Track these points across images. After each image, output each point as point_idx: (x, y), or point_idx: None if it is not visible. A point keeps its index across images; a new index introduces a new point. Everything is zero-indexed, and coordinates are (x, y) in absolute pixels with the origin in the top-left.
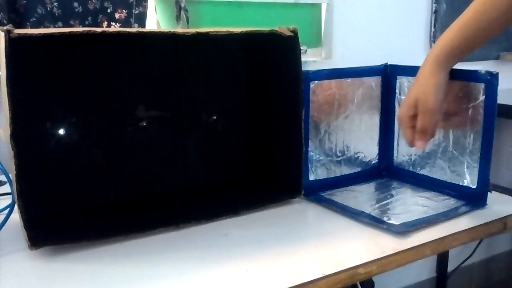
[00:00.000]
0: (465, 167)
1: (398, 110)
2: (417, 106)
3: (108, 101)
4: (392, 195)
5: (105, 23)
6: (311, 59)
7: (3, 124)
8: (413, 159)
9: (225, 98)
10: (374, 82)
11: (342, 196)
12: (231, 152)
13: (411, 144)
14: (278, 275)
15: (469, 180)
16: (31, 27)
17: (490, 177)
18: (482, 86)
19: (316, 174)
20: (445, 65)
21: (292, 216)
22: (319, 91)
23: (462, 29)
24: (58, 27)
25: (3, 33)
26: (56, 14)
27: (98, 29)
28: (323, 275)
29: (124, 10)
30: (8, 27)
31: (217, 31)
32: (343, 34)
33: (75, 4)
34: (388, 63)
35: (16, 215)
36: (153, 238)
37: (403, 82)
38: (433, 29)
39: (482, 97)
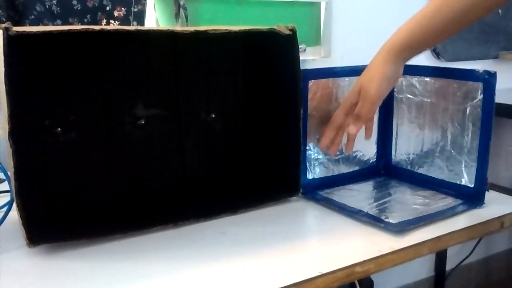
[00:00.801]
0: (463, 166)
1: (346, 95)
2: (360, 93)
3: (107, 99)
4: (390, 194)
5: (104, 21)
6: (310, 58)
7: (2, 122)
8: (411, 158)
9: (223, 96)
10: None
11: (340, 194)
12: (230, 150)
13: (323, 145)
14: (275, 273)
15: (467, 179)
16: (29, 25)
17: (488, 177)
18: (480, 85)
19: (314, 172)
20: (398, 57)
21: (290, 214)
22: (317, 89)
23: (422, 21)
24: (57, 25)
25: (1, 31)
26: (55, 12)
27: (97, 27)
28: (320, 273)
29: (123, 8)
30: (7, 24)
31: (215, 29)
32: (342, 32)
33: (74, 2)
34: None
35: (14, 213)
36: (151, 236)
37: (401, 81)
38: None
39: (480, 96)
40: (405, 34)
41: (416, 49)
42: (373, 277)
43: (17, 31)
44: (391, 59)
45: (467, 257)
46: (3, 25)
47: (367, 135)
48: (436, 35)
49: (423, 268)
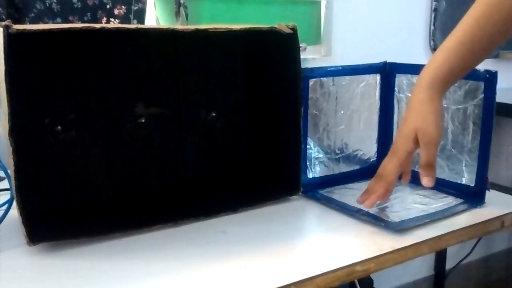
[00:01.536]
0: (464, 165)
1: (394, 143)
2: (417, 138)
3: (107, 97)
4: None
5: (104, 19)
6: (310, 57)
7: (2, 120)
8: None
9: (224, 95)
10: (373, 80)
11: (341, 193)
12: (230, 149)
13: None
14: (276, 272)
15: (468, 178)
16: (30, 23)
17: (489, 176)
18: (481, 84)
19: (314, 171)
20: (443, 89)
21: (290, 213)
22: (318, 88)
23: (459, 47)
24: (57, 23)
25: (1, 29)
26: (55, 10)
27: (97, 25)
28: (321, 272)
29: (123, 6)
30: (7, 22)
31: (216, 28)
32: (342, 31)
33: (74, 0)
34: (388, 61)
35: (14, 211)
36: (151, 235)
37: (402, 80)
38: (432, 27)
39: (481, 96)
40: (444, 65)
41: (456, 77)
42: (372, 275)
43: (17, 29)
44: (436, 94)
45: (467, 256)
46: (3, 23)
47: (430, 182)
48: (475, 60)
49: (422, 267)
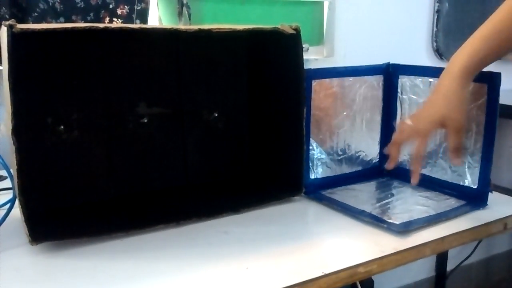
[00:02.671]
0: (466, 167)
1: (414, 123)
2: (444, 124)
3: (109, 97)
4: (392, 195)
5: (107, 19)
6: (313, 57)
7: (5, 119)
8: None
9: (226, 95)
10: (376, 81)
11: (343, 194)
12: (232, 149)
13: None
14: (278, 273)
15: (470, 180)
16: (33, 22)
17: (491, 177)
18: (484, 86)
19: (317, 172)
20: (472, 77)
21: (293, 214)
22: (320, 89)
23: (494, 36)
24: (60, 22)
25: (5, 28)
26: (58, 10)
27: (101, 25)
28: (323, 274)
29: (126, 6)
30: (11, 22)
31: (219, 28)
32: (345, 32)
33: (77, 0)
34: (390, 62)
35: (17, 210)
36: (153, 235)
37: (405, 81)
38: (435, 29)
39: (484, 97)
40: (476, 54)
41: (484, 66)
42: (373, 277)
43: (21, 28)
44: (467, 82)
45: (468, 257)
46: (7, 23)
47: (457, 162)
48: (504, 50)
49: (423, 268)
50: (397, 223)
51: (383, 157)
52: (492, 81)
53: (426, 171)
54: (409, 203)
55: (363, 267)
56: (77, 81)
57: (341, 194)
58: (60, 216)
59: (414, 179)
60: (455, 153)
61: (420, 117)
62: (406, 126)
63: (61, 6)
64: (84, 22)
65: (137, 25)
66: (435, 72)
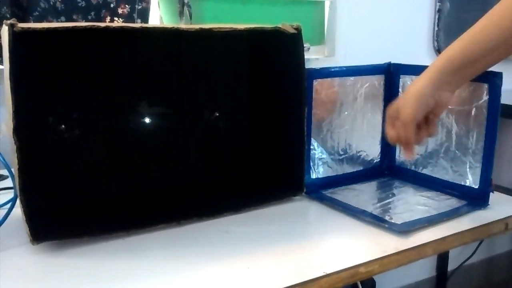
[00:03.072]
0: (468, 167)
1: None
2: (398, 114)
3: (111, 96)
4: (394, 194)
5: (108, 18)
6: (314, 57)
7: (6, 118)
8: (415, 158)
9: (227, 95)
10: (377, 81)
11: (344, 194)
12: (233, 149)
13: (391, 141)
14: (279, 273)
15: (471, 180)
16: (34, 22)
17: (492, 177)
18: (485, 86)
19: (318, 172)
20: (439, 79)
21: (294, 214)
22: (322, 89)
23: (467, 44)
24: (61, 21)
25: (6, 27)
26: (59, 9)
27: (102, 24)
28: (324, 274)
29: (127, 5)
30: (12, 21)
31: (220, 28)
32: (346, 32)
33: None
34: (391, 62)
35: (18, 210)
36: (154, 234)
37: (406, 81)
38: (436, 28)
39: (485, 97)
40: (448, 55)
41: (458, 74)
42: (374, 277)
43: (22, 27)
44: (429, 81)
45: (469, 257)
46: (8, 22)
47: (407, 155)
48: (482, 58)
49: (424, 268)
50: (398, 223)
51: (384, 156)
52: (493, 81)
53: (427, 171)
54: (410, 203)
55: (364, 267)
56: (78, 80)
57: (342, 194)
58: (61, 216)
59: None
60: (405, 145)
61: (394, 102)
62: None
63: (62, 5)
64: (85, 21)
65: (138, 24)
66: None
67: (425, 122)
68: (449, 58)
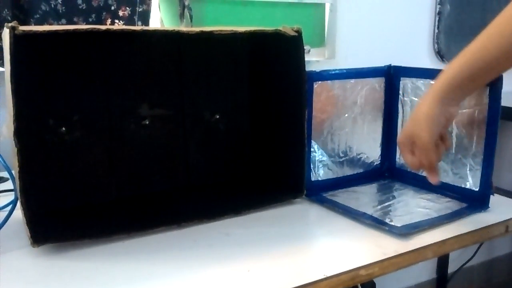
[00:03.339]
0: (468, 169)
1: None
2: (413, 141)
3: (111, 99)
4: (394, 197)
5: (109, 21)
6: (314, 59)
7: (7, 120)
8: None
9: (228, 97)
10: (377, 84)
11: (344, 197)
12: (233, 151)
13: (414, 167)
14: (279, 276)
15: (472, 182)
16: (35, 24)
17: (492, 180)
18: (486, 88)
19: (318, 174)
20: (444, 97)
21: (294, 216)
22: (322, 91)
23: (468, 59)
24: (62, 24)
25: (8, 30)
26: (60, 11)
27: (103, 27)
28: (324, 276)
29: (128, 8)
30: (13, 24)
31: (221, 30)
32: (346, 34)
33: (79, 1)
34: (392, 64)
35: (18, 212)
36: (154, 237)
37: (406, 83)
38: (436, 31)
39: (486, 100)
40: (450, 72)
41: (463, 89)
42: (374, 279)
43: (23, 30)
44: (436, 100)
45: (470, 260)
46: (9, 24)
47: (433, 179)
48: (484, 73)
49: (425, 270)
50: (399, 225)
51: (385, 159)
52: (493, 84)
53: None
54: (410, 205)
55: (364, 269)
56: (79, 83)
57: (342, 196)
58: (61, 218)
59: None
60: (429, 172)
61: (401, 136)
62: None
63: (63, 7)
64: (86, 23)
65: (139, 27)
66: (436, 74)
67: (440, 139)
68: (453, 75)
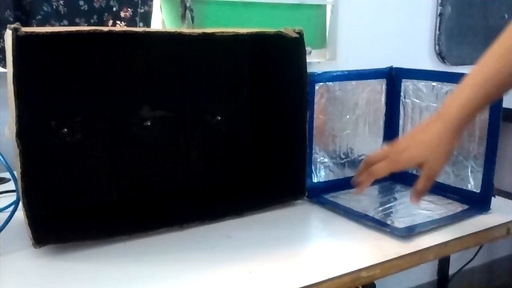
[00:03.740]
0: (469, 171)
1: (395, 154)
2: (422, 166)
3: (113, 100)
4: (395, 199)
5: (111, 22)
6: (315, 60)
7: (9, 122)
8: None
9: (229, 99)
10: (379, 85)
11: (346, 198)
12: (235, 152)
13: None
14: (281, 278)
15: (473, 184)
16: (37, 25)
17: (494, 182)
18: None
19: (319, 176)
20: (465, 126)
21: (295, 218)
22: (323, 93)
23: (486, 83)
24: (64, 25)
25: (10, 32)
26: (62, 12)
27: (105, 28)
28: (326, 278)
29: (129, 9)
30: (16, 25)
31: (223, 32)
32: (347, 35)
33: (81, 3)
34: (393, 66)
35: (20, 213)
36: (156, 238)
37: (408, 85)
38: (437, 32)
39: None
40: (469, 104)
41: (481, 110)
42: (375, 280)
43: (26, 32)
44: (456, 133)
45: (470, 261)
46: (12, 26)
47: (415, 201)
48: (498, 96)
49: (425, 272)
50: (400, 227)
51: None
52: None
53: None
54: (412, 207)
55: (366, 271)
56: (81, 84)
57: (343, 198)
58: (63, 219)
59: (358, 190)
60: (418, 195)
61: (402, 150)
62: (386, 153)
63: (65, 9)
64: (88, 25)
65: (141, 28)
66: (438, 76)
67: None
68: (472, 104)
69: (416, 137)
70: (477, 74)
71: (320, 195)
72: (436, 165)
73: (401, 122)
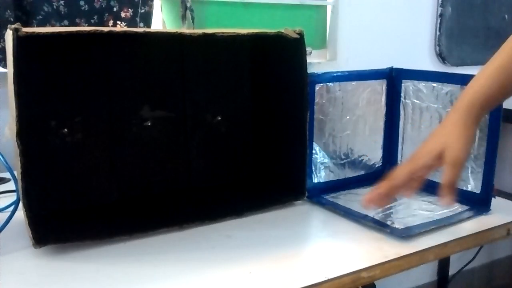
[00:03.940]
0: (469, 172)
1: (412, 163)
2: (443, 155)
3: (113, 100)
4: (395, 199)
5: (111, 22)
6: (316, 61)
7: (9, 122)
8: None
9: (229, 99)
10: (379, 86)
11: (346, 199)
12: (235, 153)
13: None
14: (281, 278)
15: (473, 185)
16: (37, 25)
17: (494, 183)
18: None
19: (319, 176)
20: (480, 115)
21: (295, 218)
22: (324, 93)
23: (499, 71)
24: (64, 25)
25: (11, 32)
26: (62, 13)
27: (106, 29)
28: (326, 279)
29: (130, 9)
30: (16, 25)
31: (223, 32)
32: (348, 36)
33: (81, 3)
34: (393, 67)
35: (20, 213)
36: (156, 238)
37: (408, 86)
38: (438, 33)
39: None
40: (483, 91)
41: (496, 102)
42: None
43: (26, 32)
44: (473, 120)
45: (470, 262)
46: (12, 26)
47: (448, 201)
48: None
49: (425, 272)
50: (400, 228)
51: (386, 161)
52: None
53: (429, 176)
54: (412, 208)
55: (366, 272)
56: (81, 84)
57: (344, 198)
58: (63, 219)
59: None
60: (448, 189)
61: (418, 154)
62: (401, 171)
63: (65, 9)
64: (88, 25)
65: (141, 29)
66: (438, 77)
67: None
68: (488, 91)
69: (432, 134)
70: (490, 64)
71: (320, 195)
72: (457, 149)
73: (401, 122)
